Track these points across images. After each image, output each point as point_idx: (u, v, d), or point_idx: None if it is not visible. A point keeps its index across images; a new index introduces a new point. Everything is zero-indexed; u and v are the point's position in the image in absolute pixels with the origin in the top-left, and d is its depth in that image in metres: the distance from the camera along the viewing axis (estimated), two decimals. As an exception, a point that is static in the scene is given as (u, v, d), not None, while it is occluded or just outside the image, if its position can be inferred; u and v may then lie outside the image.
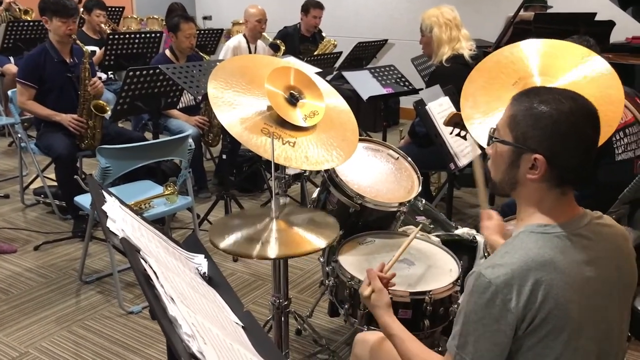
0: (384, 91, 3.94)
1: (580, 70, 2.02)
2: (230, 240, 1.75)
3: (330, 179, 2.27)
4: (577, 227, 1.28)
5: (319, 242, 1.79)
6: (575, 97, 1.27)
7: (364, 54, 5.45)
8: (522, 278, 1.19)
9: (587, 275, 1.24)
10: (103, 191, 1.55)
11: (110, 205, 1.44)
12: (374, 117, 6.27)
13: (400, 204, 2.26)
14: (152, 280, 1.14)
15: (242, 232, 1.79)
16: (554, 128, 1.24)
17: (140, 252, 1.23)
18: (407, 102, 5.06)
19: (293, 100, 2.01)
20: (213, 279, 1.50)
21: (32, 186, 4.44)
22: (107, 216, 1.36)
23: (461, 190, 4.55)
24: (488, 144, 1.39)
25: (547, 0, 5.39)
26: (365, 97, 3.84)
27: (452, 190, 3.49)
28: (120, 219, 1.37)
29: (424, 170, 3.36)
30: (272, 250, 1.72)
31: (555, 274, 1.20)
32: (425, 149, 3.29)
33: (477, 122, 2.04)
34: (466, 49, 3.42)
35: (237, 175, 4.58)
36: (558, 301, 1.19)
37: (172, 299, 1.09)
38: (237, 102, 1.95)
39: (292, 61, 3.65)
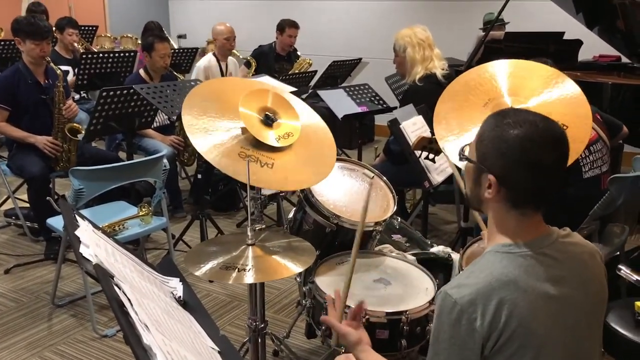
0: (358, 110, 3.97)
1: (549, 91, 2.06)
2: (206, 268, 1.73)
3: (306, 199, 2.27)
4: (542, 246, 1.29)
5: (296, 268, 1.79)
6: (538, 122, 1.27)
7: (339, 72, 5.50)
8: (486, 297, 1.21)
9: (551, 293, 1.25)
10: (75, 214, 1.53)
11: (83, 230, 1.42)
12: (349, 135, 6.31)
13: (376, 223, 2.27)
14: (125, 307, 1.12)
15: (218, 260, 1.77)
16: (507, 152, 1.26)
17: (114, 278, 1.21)
18: (382, 120, 5.11)
19: (268, 121, 2.01)
20: (188, 302, 1.48)
21: (3, 207, 4.36)
22: (79, 241, 1.34)
23: (436, 206, 4.59)
24: (460, 160, 1.43)
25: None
26: (340, 115, 3.87)
27: (427, 207, 3.52)
28: (93, 244, 1.35)
29: (400, 187, 3.39)
30: (249, 278, 1.71)
31: (518, 293, 1.22)
32: (400, 166, 3.33)
33: (451, 142, 2.07)
34: (439, 68, 3.48)
35: (213, 194, 4.55)
36: (522, 320, 1.21)
37: (146, 326, 1.08)
38: (213, 127, 1.93)
39: (267, 80, 3.66)
